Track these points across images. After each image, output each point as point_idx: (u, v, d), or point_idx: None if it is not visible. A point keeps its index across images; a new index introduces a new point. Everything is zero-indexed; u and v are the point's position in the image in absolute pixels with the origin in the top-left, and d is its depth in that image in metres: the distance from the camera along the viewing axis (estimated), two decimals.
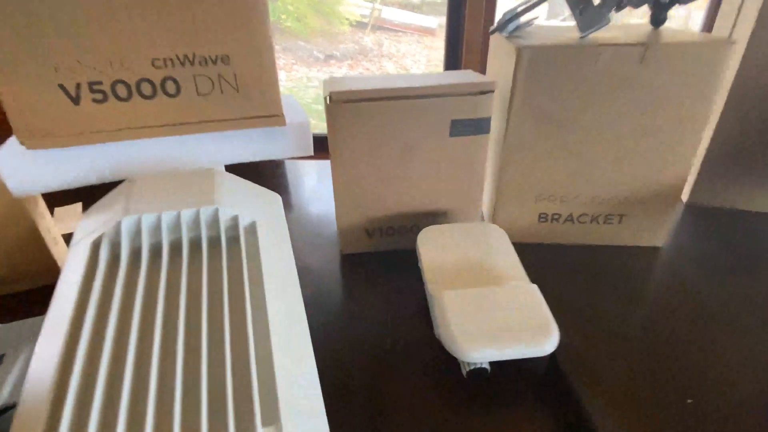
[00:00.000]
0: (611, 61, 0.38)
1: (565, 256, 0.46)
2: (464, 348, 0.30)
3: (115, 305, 0.27)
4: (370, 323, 0.39)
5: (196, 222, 0.33)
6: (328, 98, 0.39)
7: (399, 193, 0.44)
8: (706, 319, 0.38)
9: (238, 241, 0.32)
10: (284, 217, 0.38)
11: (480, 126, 0.41)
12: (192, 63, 0.36)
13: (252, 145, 0.42)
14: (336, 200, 0.44)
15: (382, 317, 0.39)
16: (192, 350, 0.25)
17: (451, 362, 0.34)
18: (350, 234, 0.46)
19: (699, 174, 0.53)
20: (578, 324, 0.37)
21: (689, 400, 0.31)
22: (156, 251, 0.31)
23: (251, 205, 0.36)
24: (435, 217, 0.46)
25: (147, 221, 0.32)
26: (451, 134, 0.41)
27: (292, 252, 0.36)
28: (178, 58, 0.36)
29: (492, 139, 0.47)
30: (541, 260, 0.45)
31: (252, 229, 0.34)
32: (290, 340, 0.28)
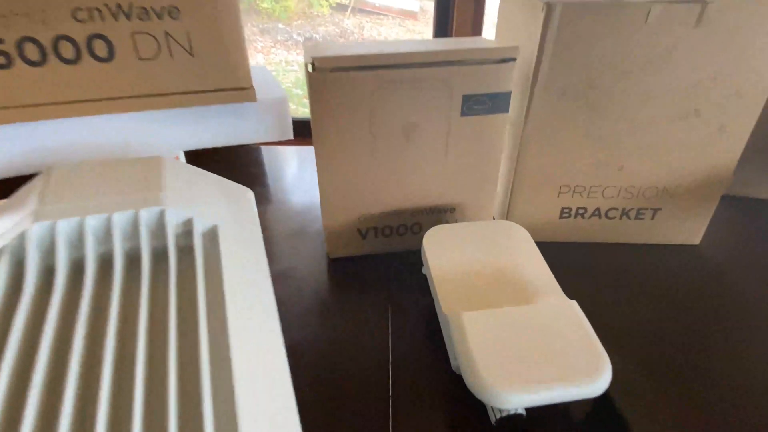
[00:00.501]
0: (658, 24, 0.31)
1: (591, 257, 0.39)
2: (495, 391, 0.23)
3: (12, 349, 0.19)
4: (366, 350, 0.31)
5: (134, 228, 0.24)
6: (310, 65, 0.31)
7: (398, 185, 0.36)
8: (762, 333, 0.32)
9: (192, 253, 0.24)
10: (257, 218, 0.30)
11: (498, 103, 0.33)
12: (128, 16, 0.27)
13: (215, 128, 0.34)
14: (321, 194, 0.36)
15: (381, 342, 0.32)
16: (121, 415, 0.18)
17: (474, 403, 0.27)
18: (339, 235, 0.38)
19: (739, 163, 0.47)
20: (623, 345, 0.31)
21: None
22: (77, 270, 0.23)
23: (213, 204, 0.27)
24: (441, 214, 0.38)
25: (65, 228, 0.23)
26: (463, 113, 0.33)
27: (265, 262, 0.28)
28: (109, 9, 0.27)
29: (509, 120, 0.40)
30: (564, 262, 0.39)
31: (212, 236, 0.26)
32: (263, 389, 0.20)
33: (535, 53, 0.33)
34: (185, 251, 0.25)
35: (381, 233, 0.39)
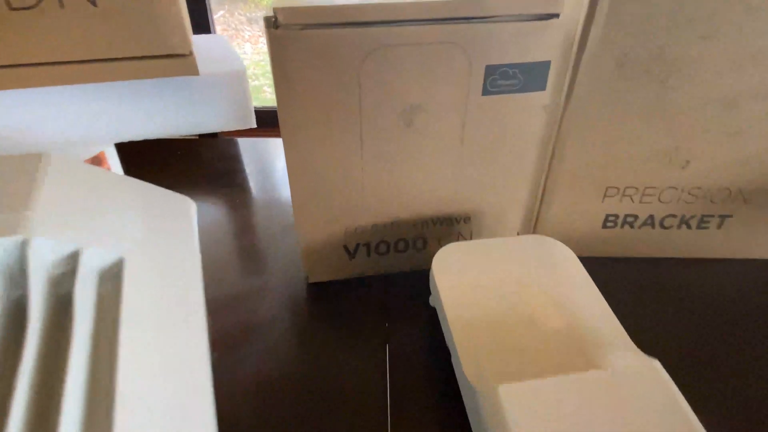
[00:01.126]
0: None
1: (641, 275, 0.31)
2: None
3: None
4: (355, 413, 0.22)
5: None
6: (272, 20, 0.22)
7: (396, 188, 0.27)
8: None
9: (71, 306, 0.15)
10: (195, 238, 0.21)
11: (533, 77, 0.25)
12: None
13: (144, 112, 0.25)
14: (294, 202, 0.27)
15: (375, 402, 0.23)
16: None
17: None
18: (320, 253, 0.29)
19: None
20: (714, 410, 0.22)
21: None
22: None
23: (124, 228, 0.18)
24: (452, 225, 0.30)
25: None
26: (485, 90, 0.25)
27: (201, 300, 0.19)
28: None
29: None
30: (611, 285, 0.30)
31: (112, 276, 0.17)
32: None
33: (585, 9, 0.24)
34: (63, 303, 0.16)
35: (375, 250, 0.30)
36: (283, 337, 0.27)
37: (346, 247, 0.29)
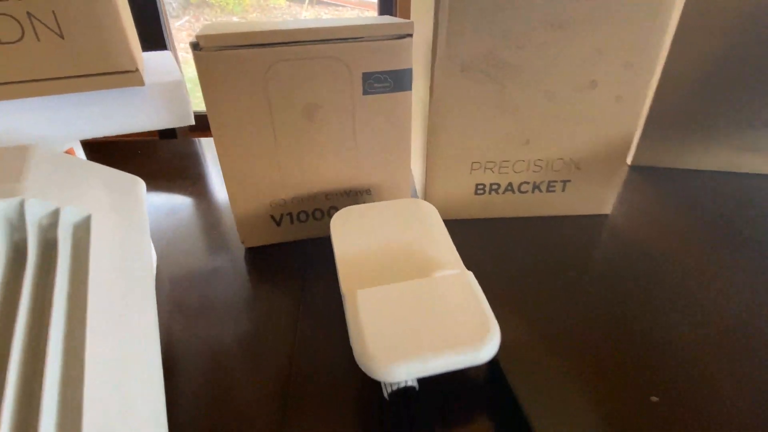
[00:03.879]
0: None
1: (506, 231, 0.40)
2: (381, 365, 0.23)
3: None
4: (274, 338, 0.30)
5: None
6: (196, 44, 0.29)
7: (308, 170, 0.36)
8: (667, 294, 0.33)
9: (56, 249, 0.23)
10: (144, 209, 0.29)
11: (400, 80, 0.33)
12: None
13: (105, 115, 0.32)
14: (226, 182, 0.35)
15: (287, 332, 0.31)
16: None
17: (372, 383, 0.27)
18: (252, 223, 0.37)
19: (643, 133, 0.49)
20: (522, 314, 0.32)
21: (654, 398, 0.26)
22: None
23: (87, 194, 0.26)
24: (357, 196, 0.38)
25: None
26: (365, 91, 0.33)
27: (150, 255, 0.27)
28: None
29: (419, 99, 0.40)
30: (479, 239, 0.39)
31: (83, 228, 0.24)
32: (122, 389, 0.19)
33: (432, 28, 0.33)
34: (51, 244, 0.23)
35: (296, 219, 0.38)
36: (223, 290, 0.35)
37: (272, 217, 0.37)
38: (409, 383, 0.24)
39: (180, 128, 0.81)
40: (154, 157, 0.56)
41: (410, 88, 0.34)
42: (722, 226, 0.41)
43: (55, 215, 0.24)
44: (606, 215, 0.42)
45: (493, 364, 0.26)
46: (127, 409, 0.18)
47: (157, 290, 0.34)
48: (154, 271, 0.26)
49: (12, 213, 0.23)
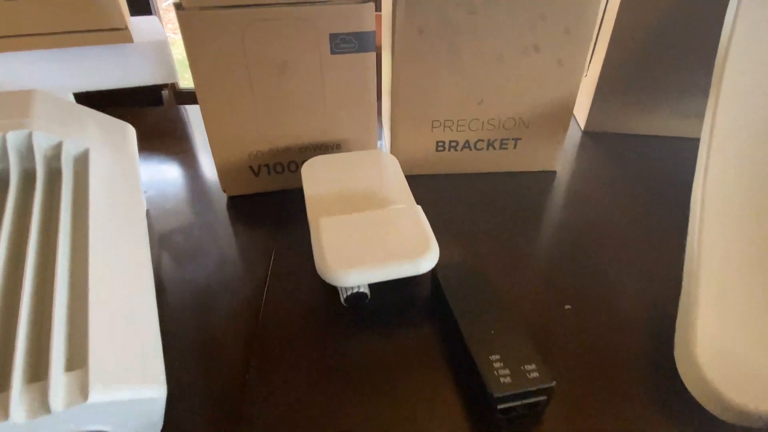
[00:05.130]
0: None
1: (464, 185, 0.45)
2: (335, 271, 0.27)
3: None
4: (251, 270, 0.35)
5: (2, 151, 0.26)
6: (179, 4, 0.33)
7: (282, 123, 0.40)
8: (596, 234, 0.38)
9: (60, 176, 0.27)
10: (135, 150, 0.33)
11: (363, 42, 0.37)
12: None
13: (95, 69, 0.35)
14: (208, 132, 0.39)
15: (261, 275, 0.35)
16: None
17: (332, 292, 0.32)
18: (232, 172, 0.41)
19: (594, 100, 0.54)
20: (465, 246, 0.36)
21: (567, 306, 0.31)
22: None
23: (85, 132, 0.30)
24: (328, 150, 0.42)
25: None
26: (332, 51, 0.37)
27: (139, 189, 0.31)
28: None
29: (387, 60, 0.44)
30: (438, 191, 0.44)
31: (83, 160, 0.28)
32: (121, 290, 0.23)
33: None
34: (55, 173, 0.27)
35: (273, 170, 0.42)
36: (206, 233, 0.39)
37: (251, 168, 0.42)
38: (362, 290, 0.29)
39: (167, 99, 0.84)
40: (142, 122, 0.59)
41: (374, 50, 0.38)
42: (656, 184, 0.46)
43: (58, 147, 0.27)
44: (554, 172, 0.47)
45: (433, 279, 0.31)
46: (126, 313, 0.23)
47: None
48: (145, 207, 0.30)
49: (21, 144, 0.27)
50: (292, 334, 0.29)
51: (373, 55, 0.38)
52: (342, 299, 0.29)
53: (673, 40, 0.48)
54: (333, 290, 0.32)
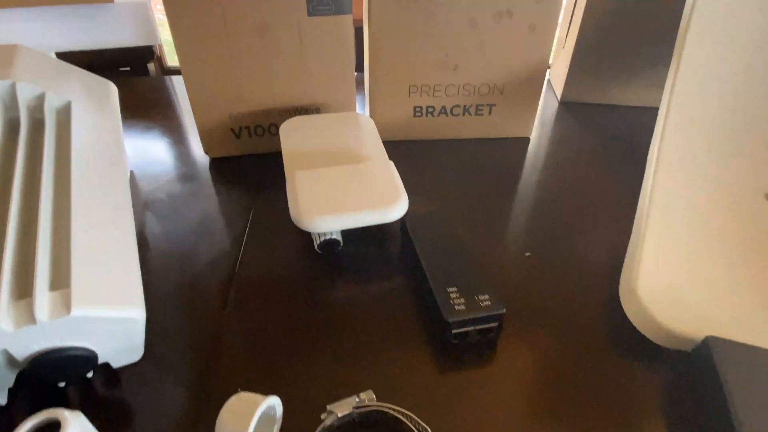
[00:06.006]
0: None
1: (440, 150, 0.46)
2: (309, 218, 0.29)
3: None
4: (229, 223, 0.37)
5: None
6: None
7: (262, 85, 0.41)
8: (564, 194, 0.40)
9: (43, 126, 0.28)
10: (117, 107, 0.34)
11: (340, 4, 0.38)
12: None
13: (77, 28, 0.36)
14: (189, 94, 0.40)
15: (243, 223, 0.37)
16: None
17: (307, 243, 0.33)
18: (213, 134, 0.42)
19: (570, 70, 0.55)
20: (438, 200, 0.38)
21: (527, 253, 0.33)
22: None
23: (68, 86, 0.31)
24: (308, 113, 0.43)
25: None
26: (310, 12, 0.38)
27: (121, 141, 0.32)
28: None
29: (366, 30, 0.45)
30: (414, 156, 0.45)
31: (65, 111, 0.29)
32: (102, 224, 0.25)
33: None
34: (38, 123, 0.28)
35: (254, 132, 0.44)
36: (188, 192, 0.40)
37: (232, 130, 0.43)
38: (334, 236, 0.30)
39: (153, 73, 0.84)
40: (127, 90, 0.59)
41: (350, 12, 0.39)
42: (625, 149, 0.48)
43: (41, 99, 0.29)
44: (528, 139, 0.49)
45: (402, 227, 0.33)
46: (107, 244, 0.24)
47: (130, 191, 0.40)
48: (128, 160, 0.31)
49: (5, 93, 0.28)
50: (268, 278, 0.31)
51: (350, 17, 0.39)
52: (316, 245, 0.31)
53: (645, 13, 0.50)
54: (308, 241, 0.34)
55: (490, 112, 0.47)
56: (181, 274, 0.32)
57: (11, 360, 0.20)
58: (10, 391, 0.23)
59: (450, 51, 0.42)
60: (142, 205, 0.38)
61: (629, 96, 0.56)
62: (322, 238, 0.30)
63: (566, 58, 0.55)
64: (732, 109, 0.34)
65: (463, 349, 0.26)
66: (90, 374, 0.23)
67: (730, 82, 0.34)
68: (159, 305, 0.29)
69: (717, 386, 0.21)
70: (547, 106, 0.56)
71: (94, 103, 0.32)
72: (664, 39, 0.51)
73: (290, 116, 0.43)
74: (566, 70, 0.55)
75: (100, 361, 0.22)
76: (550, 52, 0.43)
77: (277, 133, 0.44)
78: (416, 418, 0.21)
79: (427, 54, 0.42)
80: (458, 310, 0.24)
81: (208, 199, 0.39)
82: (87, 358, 0.21)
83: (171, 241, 0.34)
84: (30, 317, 0.19)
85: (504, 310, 0.24)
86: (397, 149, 0.45)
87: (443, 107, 0.46)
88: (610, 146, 0.48)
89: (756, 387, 0.21)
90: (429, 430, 0.21)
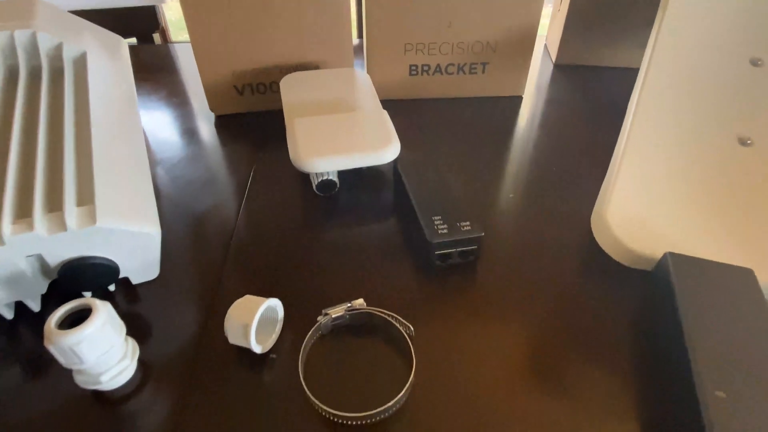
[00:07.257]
0: None
1: (435, 108, 0.48)
2: (307, 158, 0.31)
3: None
4: (233, 173, 0.39)
5: (11, 48, 0.30)
6: None
7: (264, 44, 0.43)
8: (552, 147, 0.42)
9: (63, 73, 0.30)
10: (128, 60, 0.36)
11: None
12: None
13: None
14: (195, 52, 0.42)
15: (242, 184, 0.40)
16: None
17: (307, 186, 0.36)
18: (218, 92, 0.45)
19: (564, 34, 0.56)
20: (431, 149, 0.40)
21: (510, 195, 0.35)
22: None
23: (84, 37, 0.33)
24: (308, 71, 0.45)
25: None
26: None
27: (133, 90, 0.34)
28: None
29: None
30: (409, 113, 0.47)
31: (81, 60, 0.32)
32: (120, 155, 0.28)
33: None
34: (58, 71, 0.31)
35: (257, 90, 0.46)
36: (195, 146, 0.43)
37: (235, 87, 0.45)
38: (331, 177, 0.33)
39: (157, 41, 0.86)
40: (134, 57, 0.62)
41: None
42: (614, 108, 0.50)
43: (59, 48, 0.31)
44: (521, 98, 0.50)
45: (395, 170, 0.35)
46: (125, 171, 0.27)
47: None
48: (137, 106, 0.34)
49: (27, 42, 0.30)
50: (271, 215, 0.34)
51: None
52: (314, 186, 0.33)
53: None
54: (308, 187, 0.36)
55: (483, 71, 0.48)
56: (191, 216, 0.34)
57: (44, 266, 0.23)
58: (43, 299, 0.26)
59: (443, 8, 0.44)
60: (152, 160, 0.40)
61: (621, 58, 0.57)
62: (320, 179, 0.33)
63: (561, 22, 0.56)
64: (708, 63, 0.36)
65: (446, 272, 0.28)
66: (112, 287, 0.26)
67: (708, 37, 0.36)
68: (173, 238, 0.32)
69: (670, 293, 0.24)
70: (542, 67, 0.57)
71: (107, 54, 0.34)
72: (653, 2, 0.52)
73: (290, 73, 0.45)
74: (561, 31, 0.56)
75: (121, 275, 0.25)
76: (540, 11, 0.45)
77: (278, 91, 0.46)
78: (401, 319, 0.24)
79: (422, 11, 0.44)
80: (441, 233, 0.27)
81: (214, 153, 0.41)
82: (110, 269, 0.24)
83: (180, 189, 0.37)
84: (61, 225, 0.22)
85: (482, 234, 0.27)
86: (391, 107, 0.47)
87: (438, 65, 0.48)
88: (602, 106, 0.50)
89: (704, 293, 0.23)
90: (411, 328, 0.23)
